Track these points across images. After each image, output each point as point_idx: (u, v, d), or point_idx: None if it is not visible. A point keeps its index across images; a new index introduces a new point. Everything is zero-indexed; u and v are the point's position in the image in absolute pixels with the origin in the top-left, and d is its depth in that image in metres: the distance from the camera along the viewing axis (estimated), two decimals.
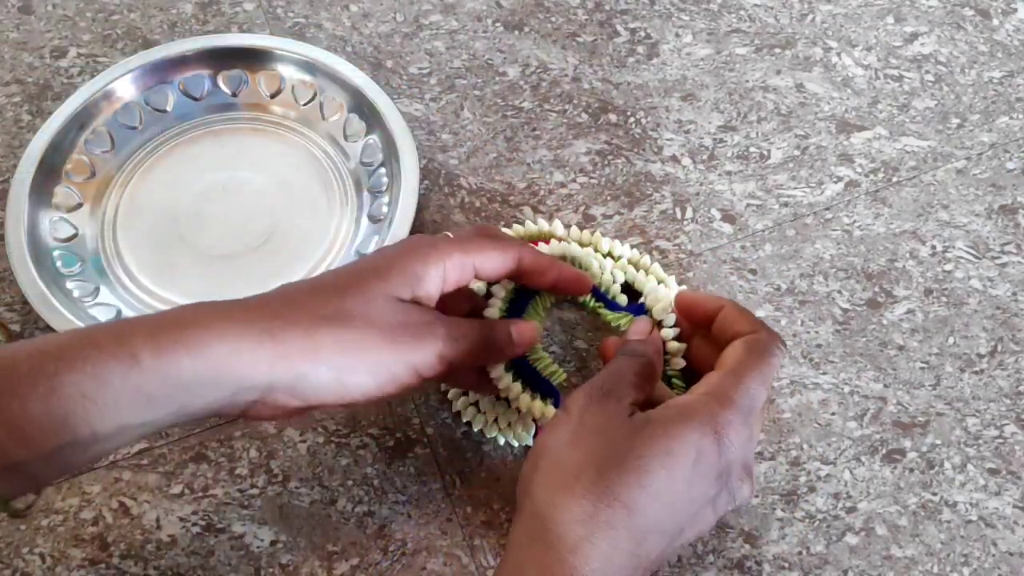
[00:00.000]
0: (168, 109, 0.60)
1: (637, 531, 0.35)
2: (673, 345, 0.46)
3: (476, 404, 0.48)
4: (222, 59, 0.60)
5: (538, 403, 0.46)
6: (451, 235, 0.43)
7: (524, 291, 0.48)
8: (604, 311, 0.49)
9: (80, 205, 0.56)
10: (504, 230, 0.53)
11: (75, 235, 0.55)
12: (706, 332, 0.45)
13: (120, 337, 0.34)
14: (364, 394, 0.38)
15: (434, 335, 0.39)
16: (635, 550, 0.35)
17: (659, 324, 0.47)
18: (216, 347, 0.35)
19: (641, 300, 0.49)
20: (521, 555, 0.36)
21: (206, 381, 0.35)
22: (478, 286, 0.48)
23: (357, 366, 0.37)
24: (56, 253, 0.53)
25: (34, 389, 0.32)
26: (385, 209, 0.55)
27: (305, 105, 0.60)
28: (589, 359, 0.51)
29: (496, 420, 0.47)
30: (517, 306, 0.48)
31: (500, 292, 0.47)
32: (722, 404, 0.38)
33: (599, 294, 0.49)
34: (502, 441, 0.48)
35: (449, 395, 0.49)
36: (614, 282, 0.49)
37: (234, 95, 0.60)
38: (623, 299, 0.49)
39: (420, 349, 0.39)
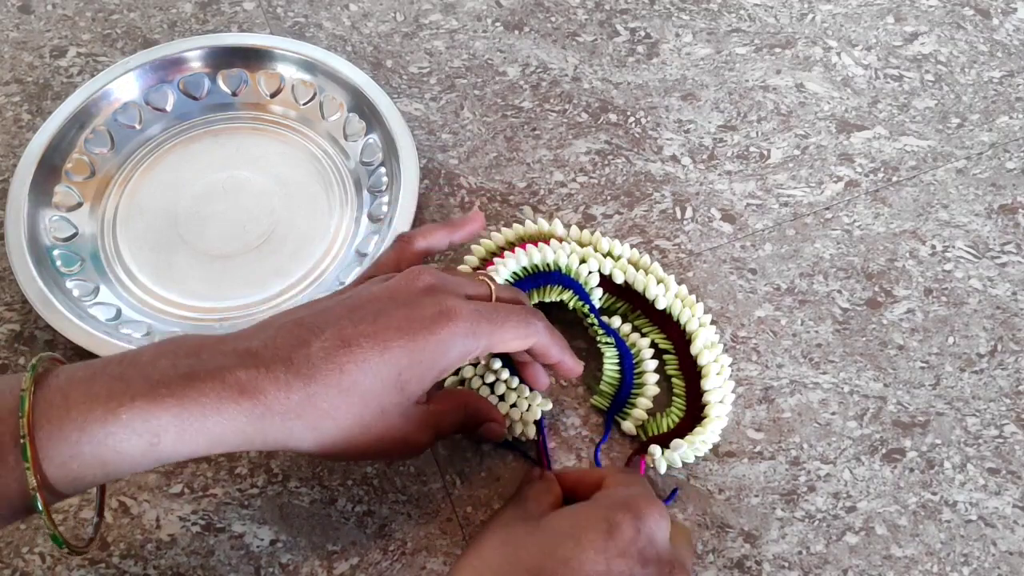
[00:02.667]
0: (168, 108, 0.60)
1: None
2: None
3: None
4: (222, 58, 0.60)
5: (536, 394, 0.46)
6: (487, 282, 0.42)
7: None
8: (590, 318, 0.49)
9: (80, 204, 0.56)
10: (504, 230, 0.53)
11: (75, 234, 0.55)
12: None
13: (148, 418, 0.33)
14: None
15: (421, 442, 0.39)
16: None
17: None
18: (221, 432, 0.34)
19: (617, 327, 0.50)
20: None
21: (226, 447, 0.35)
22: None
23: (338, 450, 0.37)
24: (56, 252, 0.53)
25: (53, 457, 0.32)
26: (385, 208, 0.55)
27: (305, 105, 0.60)
28: (589, 358, 0.51)
29: None
30: None
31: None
32: (626, 490, 0.38)
33: (582, 294, 0.49)
34: (505, 437, 0.48)
35: None
36: (582, 263, 0.50)
37: (234, 94, 0.60)
38: (598, 292, 0.50)
39: (404, 449, 0.39)
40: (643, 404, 0.48)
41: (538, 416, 0.47)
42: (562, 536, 0.36)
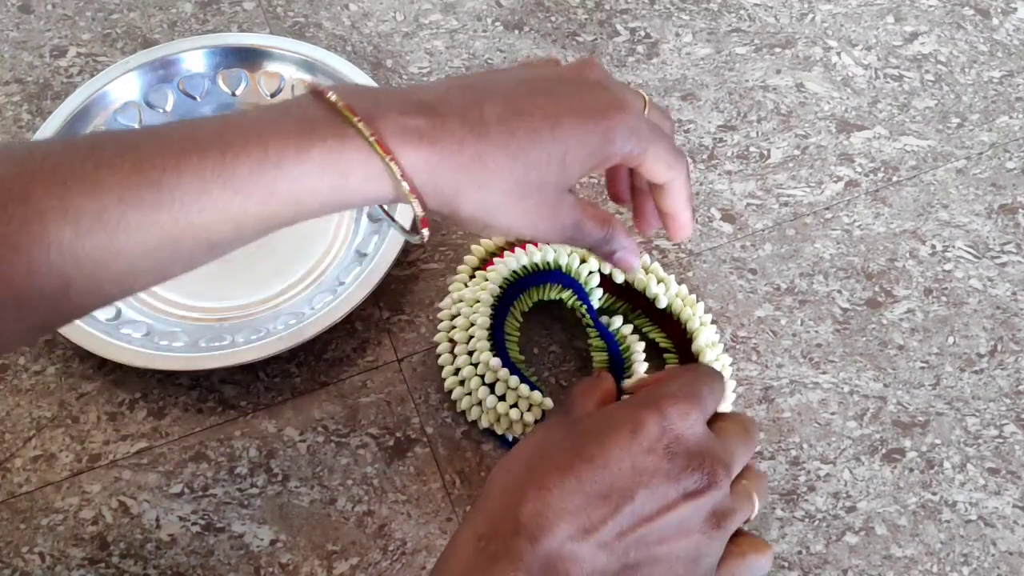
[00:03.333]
0: (168, 109, 0.60)
1: (576, 493, 0.35)
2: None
3: (480, 403, 0.48)
4: (222, 58, 0.60)
5: (536, 394, 0.46)
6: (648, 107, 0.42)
7: (505, 298, 0.49)
8: (587, 318, 0.49)
9: None
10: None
11: None
12: None
13: (339, 157, 0.34)
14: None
15: (564, 225, 0.39)
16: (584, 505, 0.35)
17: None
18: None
19: (613, 329, 0.50)
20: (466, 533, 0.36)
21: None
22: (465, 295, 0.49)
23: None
24: None
25: (253, 193, 0.33)
26: (385, 206, 0.55)
27: None
28: (588, 359, 0.51)
29: (499, 419, 0.47)
30: (500, 311, 0.49)
31: (488, 299, 0.49)
32: (658, 389, 0.38)
33: (581, 293, 0.49)
34: (505, 436, 0.48)
35: (453, 394, 0.49)
36: (582, 263, 0.50)
37: (234, 94, 0.60)
38: (598, 292, 0.50)
39: (548, 229, 0.39)
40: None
41: (539, 416, 0.47)
42: (590, 435, 0.36)
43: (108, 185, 0.31)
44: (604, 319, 0.50)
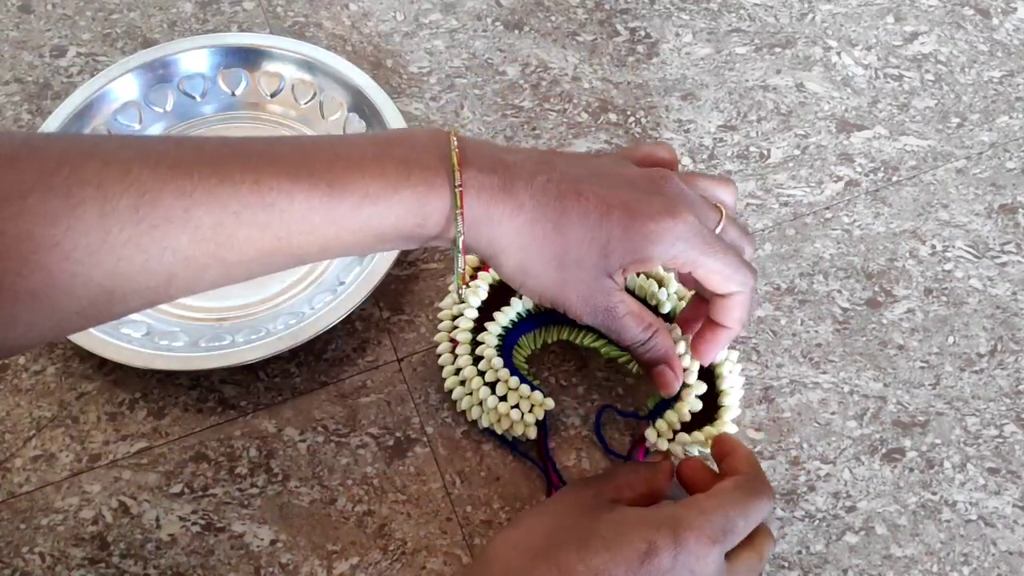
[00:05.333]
0: (168, 108, 0.60)
1: None
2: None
3: (480, 403, 0.48)
4: (222, 58, 0.60)
5: (537, 394, 0.46)
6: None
7: (517, 327, 0.49)
8: (615, 351, 0.49)
9: None
10: None
11: None
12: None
13: (426, 201, 0.37)
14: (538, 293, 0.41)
15: (597, 307, 0.41)
16: None
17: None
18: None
19: None
20: None
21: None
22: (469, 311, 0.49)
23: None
24: None
25: (348, 226, 0.37)
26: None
27: (305, 104, 0.60)
28: (588, 359, 0.51)
29: (500, 419, 0.47)
30: (509, 340, 0.49)
31: (496, 329, 0.48)
32: (690, 511, 0.37)
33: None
34: (505, 436, 0.48)
35: (454, 394, 0.49)
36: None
37: (234, 94, 0.60)
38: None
39: (578, 304, 0.41)
40: (680, 414, 0.46)
41: (540, 416, 0.47)
42: (602, 542, 0.36)
43: (228, 201, 0.34)
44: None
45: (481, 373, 0.47)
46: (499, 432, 0.48)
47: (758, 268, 0.55)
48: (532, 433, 0.47)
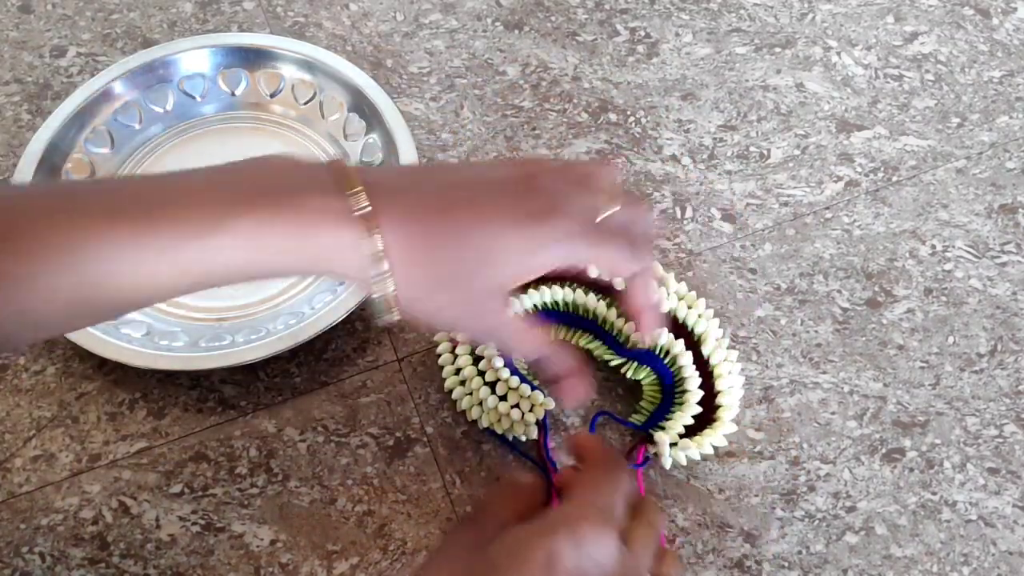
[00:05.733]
0: (168, 108, 0.60)
1: None
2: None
3: (481, 403, 0.48)
4: (222, 58, 0.60)
5: (538, 394, 0.46)
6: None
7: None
8: (609, 354, 0.49)
9: None
10: None
11: None
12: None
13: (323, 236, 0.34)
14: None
15: (486, 323, 0.39)
16: None
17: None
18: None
19: (647, 348, 0.49)
20: None
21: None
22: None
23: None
24: None
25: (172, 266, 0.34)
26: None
27: (305, 104, 0.60)
28: (588, 358, 0.51)
29: (500, 419, 0.47)
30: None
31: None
32: (573, 507, 0.36)
33: (605, 336, 0.50)
34: (505, 436, 0.48)
35: (454, 394, 0.49)
36: (618, 317, 0.50)
37: (234, 94, 0.60)
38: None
39: (472, 317, 0.38)
40: (682, 418, 0.47)
41: (540, 416, 0.47)
42: (502, 570, 0.34)
43: (35, 248, 0.32)
44: (638, 348, 0.49)
45: (481, 373, 0.48)
46: (499, 432, 0.48)
47: (758, 268, 0.55)
48: (532, 433, 0.47)
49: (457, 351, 0.49)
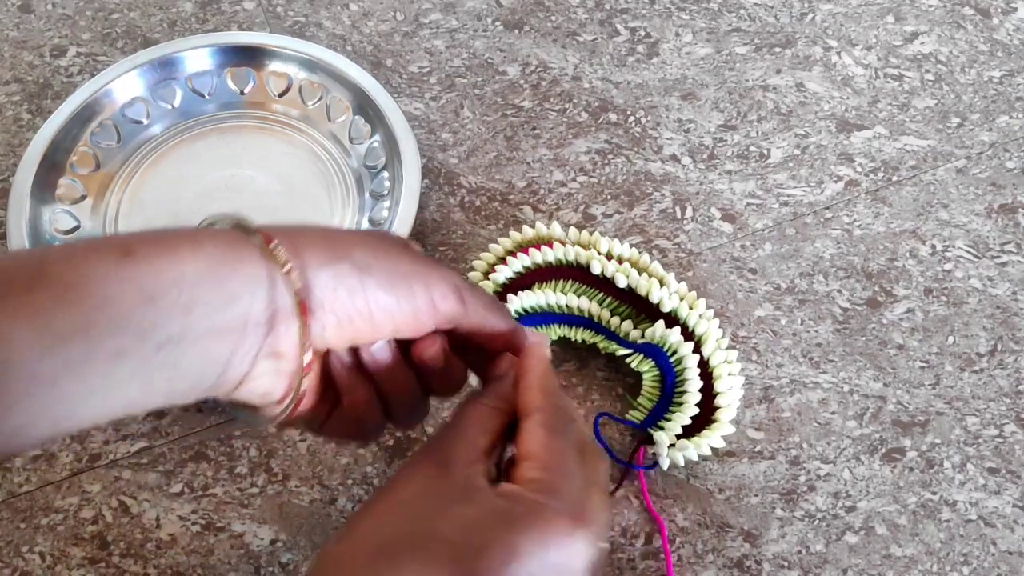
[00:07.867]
0: (175, 105, 0.59)
1: None
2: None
3: None
4: (224, 57, 0.60)
5: None
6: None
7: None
8: (615, 346, 0.49)
9: (84, 197, 0.56)
10: (501, 240, 0.53)
11: (76, 227, 0.55)
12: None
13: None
14: (386, 311, 0.33)
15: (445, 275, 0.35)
16: None
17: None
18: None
19: (653, 341, 0.49)
20: None
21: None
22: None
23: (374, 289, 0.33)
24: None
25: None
26: (386, 213, 0.55)
27: (312, 105, 0.60)
28: (588, 359, 0.51)
29: None
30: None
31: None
32: (549, 499, 0.31)
33: (605, 332, 0.50)
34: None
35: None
36: (612, 316, 0.50)
37: (241, 93, 0.60)
38: (635, 334, 0.50)
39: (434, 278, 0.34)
40: (680, 419, 0.47)
41: None
42: (450, 551, 0.29)
43: None
44: (635, 333, 0.50)
45: None
46: None
47: (758, 268, 0.55)
48: None
49: None
